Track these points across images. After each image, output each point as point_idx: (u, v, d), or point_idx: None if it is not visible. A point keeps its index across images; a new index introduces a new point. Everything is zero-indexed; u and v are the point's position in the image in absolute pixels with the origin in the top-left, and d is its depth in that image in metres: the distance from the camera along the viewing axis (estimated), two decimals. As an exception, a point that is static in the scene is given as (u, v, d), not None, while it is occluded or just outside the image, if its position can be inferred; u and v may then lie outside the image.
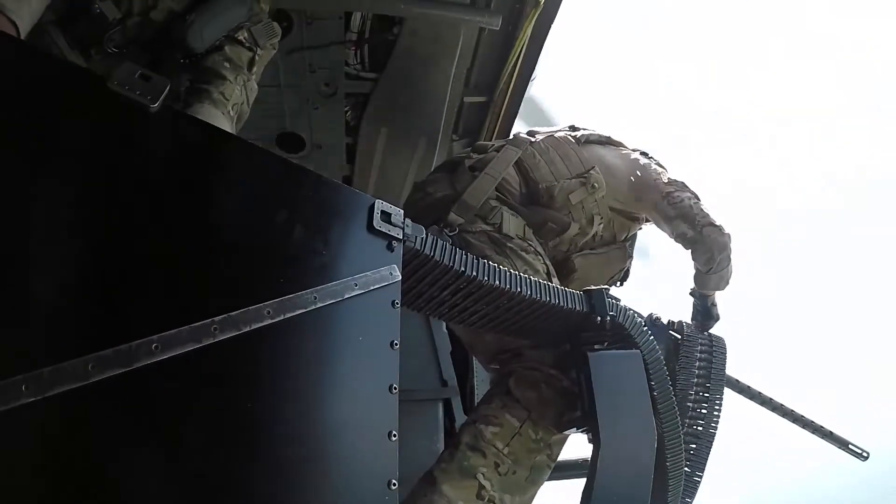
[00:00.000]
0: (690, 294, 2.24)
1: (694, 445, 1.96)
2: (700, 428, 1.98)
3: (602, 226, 2.18)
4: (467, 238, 1.91)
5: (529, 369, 1.74)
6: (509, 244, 1.91)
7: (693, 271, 2.19)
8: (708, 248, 2.06)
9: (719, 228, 2.05)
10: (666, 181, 2.14)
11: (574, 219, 2.09)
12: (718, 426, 2.01)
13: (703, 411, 2.00)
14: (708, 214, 2.07)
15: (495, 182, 2.03)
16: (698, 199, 2.11)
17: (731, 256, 2.10)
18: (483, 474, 1.58)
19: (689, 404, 1.98)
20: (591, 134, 2.32)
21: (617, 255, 2.26)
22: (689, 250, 2.12)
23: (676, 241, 2.14)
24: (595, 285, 1.74)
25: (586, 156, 2.19)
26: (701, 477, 1.95)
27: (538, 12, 2.56)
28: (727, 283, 2.17)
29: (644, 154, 2.40)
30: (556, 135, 2.27)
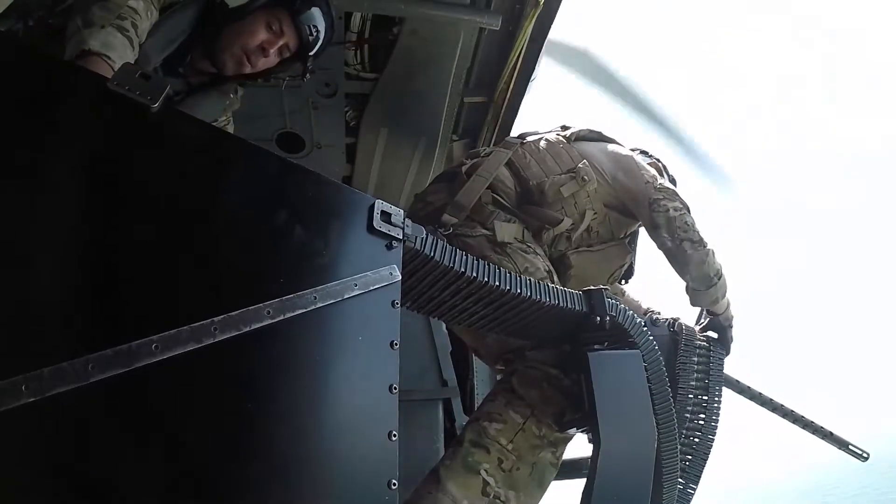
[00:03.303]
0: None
1: (695, 444, 1.96)
2: (697, 437, 1.97)
3: (597, 221, 2.17)
4: (466, 241, 1.92)
5: (532, 368, 1.74)
6: (509, 246, 1.92)
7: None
8: (684, 262, 2.05)
9: (698, 244, 2.02)
10: (657, 187, 2.11)
11: (567, 214, 2.10)
12: (717, 428, 2.00)
13: (702, 415, 2.00)
14: (690, 228, 2.03)
15: (487, 182, 2.04)
16: (687, 210, 2.08)
17: (718, 274, 2.06)
18: (486, 470, 1.57)
19: (688, 408, 1.97)
20: (580, 131, 2.33)
21: (616, 252, 2.25)
22: (669, 261, 2.11)
23: (659, 249, 2.12)
24: (594, 283, 1.74)
25: (576, 152, 2.20)
26: (698, 482, 1.95)
27: (538, 12, 2.56)
28: (718, 302, 2.10)
29: (644, 153, 2.39)
30: (547, 136, 2.28)
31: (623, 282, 2.41)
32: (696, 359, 2.04)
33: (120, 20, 1.41)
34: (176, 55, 1.71)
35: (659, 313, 2.39)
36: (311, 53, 1.87)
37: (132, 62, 1.44)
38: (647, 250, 2.33)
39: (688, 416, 1.97)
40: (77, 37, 1.35)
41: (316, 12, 1.82)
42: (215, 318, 0.92)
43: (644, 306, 2.47)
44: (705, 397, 2.02)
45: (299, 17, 1.78)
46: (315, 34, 1.83)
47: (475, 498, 1.55)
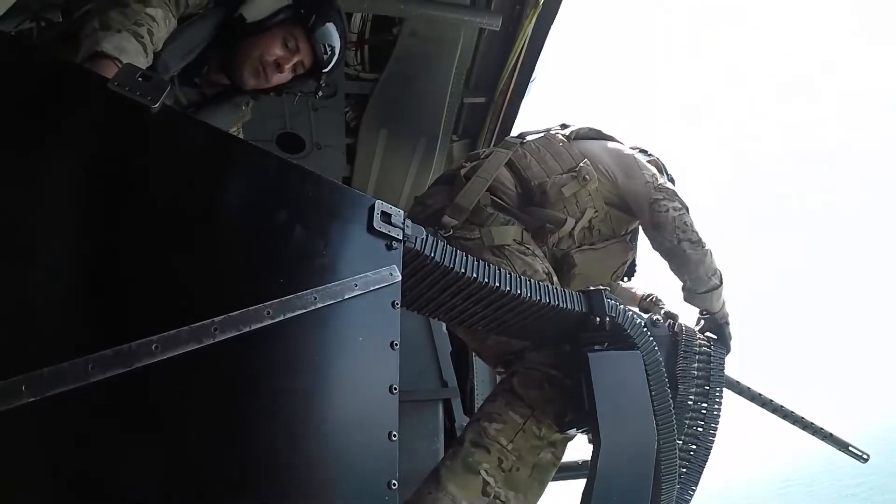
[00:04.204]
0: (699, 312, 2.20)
1: (692, 452, 1.95)
2: (695, 446, 1.96)
3: (598, 218, 2.17)
4: (465, 244, 1.92)
5: (532, 369, 1.74)
6: (507, 248, 1.92)
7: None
8: (683, 263, 2.05)
9: (697, 244, 2.02)
10: (657, 186, 2.10)
11: (569, 213, 2.09)
12: (715, 437, 1.99)
13: (701, 424, 1.99)
14: (689, 229, 2.03)
15: (487, 183, 2.03)
16: (686, 210, 2.08)
17: (718, 276, 2.07)
18: (486, 470, 1.58)
19: (687, 416, 1.96)
20: (580, 129, 2.33)
21: (618, 248, 2.25)
22: (667, 262, 2.11)
23: (655, 249, 2.12)
24: (597, 279, 1.73)
25: (577, 151, 2.20)
26: (696, 486, 1.94)
27: (538, 12, 2.57)
28: (715, 303, 2.10)
29: (643, 152, 2.39)
30: (547, 134, 2.28)
31: (626, 279, 2.40)
32: (696, 366, 2.02)
33: (136, 26, 1.42)
34: (193, 65, 1.72)
35: (659, 299, 2.40)
36: (325, 71, 1.89)
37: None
38: (648, 251, 2.33)
39: (686, 423, 1.96)
40: (92, 38, 1.36)
41: (331, 29, 1.84)
42: (215, 319, 0.92)
43: (640, 293, 2.48)
44: (705, 405, 2.00)
45: (314, 35, 1.80)
46: (329, 52, 1.85)
47: (475, 498, 1.55)
